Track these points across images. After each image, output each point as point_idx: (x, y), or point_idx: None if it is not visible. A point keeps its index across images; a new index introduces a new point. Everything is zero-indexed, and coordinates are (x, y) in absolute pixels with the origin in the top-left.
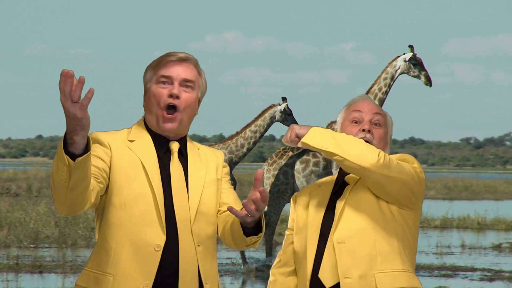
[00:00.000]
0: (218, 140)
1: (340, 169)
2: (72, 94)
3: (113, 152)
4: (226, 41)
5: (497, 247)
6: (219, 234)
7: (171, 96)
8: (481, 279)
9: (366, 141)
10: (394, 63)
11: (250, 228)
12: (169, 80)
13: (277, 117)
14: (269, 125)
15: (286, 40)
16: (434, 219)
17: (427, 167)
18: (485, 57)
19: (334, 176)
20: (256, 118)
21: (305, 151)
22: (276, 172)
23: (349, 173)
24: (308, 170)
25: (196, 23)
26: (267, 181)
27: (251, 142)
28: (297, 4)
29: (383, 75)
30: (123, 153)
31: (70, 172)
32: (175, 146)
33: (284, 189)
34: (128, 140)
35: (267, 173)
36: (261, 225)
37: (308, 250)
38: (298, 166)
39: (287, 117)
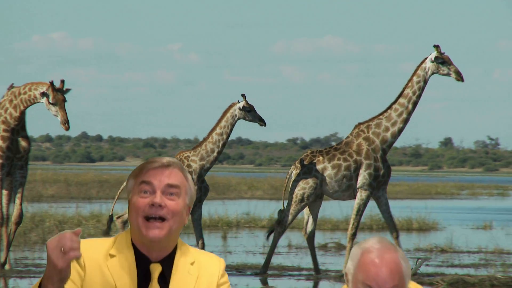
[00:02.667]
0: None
1: None
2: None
3: (87, 273)
4: (53, 41)
5: (323, 247)
6: None
7: (153, 205)
8: (308, 279)
9: None
10: (423, 65)
11: None
12: (150, 188)
13: (238, 115)
14: (233, 125)
15: (114, 40)
16: (261, 219)
17: (254, 167)
18: (311, 58)
19: None
20: (219, 120)
21: (335, 155)
22: (305, 176)
23: None
24: (340, 175)
25: (22, 22)
26: (294, 183)
27: (220, 145)
28: (124, 5)
29: (415, 79)
30: (98, 274)
31: None
32: (155, 270)
33: (309, 194)
34: (109, 254)
35: (296, 176)
36: None
37: None
38: (330, 171)
39: (248, 114)
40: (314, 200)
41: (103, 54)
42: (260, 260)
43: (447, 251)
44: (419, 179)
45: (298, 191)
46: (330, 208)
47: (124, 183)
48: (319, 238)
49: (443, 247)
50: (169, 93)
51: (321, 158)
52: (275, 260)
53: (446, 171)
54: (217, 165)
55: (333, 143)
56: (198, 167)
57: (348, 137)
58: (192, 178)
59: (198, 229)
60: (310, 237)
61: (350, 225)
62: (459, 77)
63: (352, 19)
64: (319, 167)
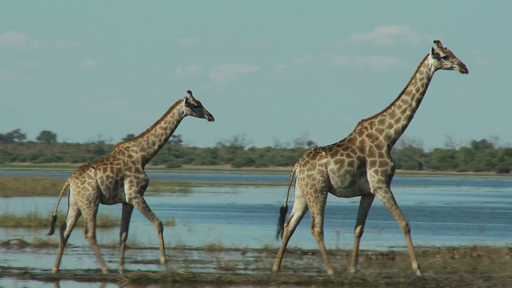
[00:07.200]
0: None
1: None
2: None
3: None
4: None
5: (6, 244)
6: None
7: None
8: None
9: None
10: (426, 62)
11: None
12: None
13: (185, 111)
14: (178, 121)
15: None
16: None
17: None
18: None
19: None
20: (165, 115)
21: (338, 151)
22: (311, 172)
23: None
24: (343, 170)
25: None
26: (302, 182)
27: (162, 139)
28: None
29: (418, 76)
30: None
31: None
32: None
33: (321, 187)
34: None
35: (301, 173)
36: None
37: None
38: (332, 166)
39: (194, 110)
40: (327, 192)
41: None
42: None
43: (130, 247)
44: None
45: (309, 190)
46: (13, 205)
47: (66, 184)
48: (1, 235)
49: (126, 243)
50: None
51: (323, 153)
52: None
53: None
54: None
55: (16, 140)
56: (139, 157)
57: (351, 134)
58: (137, 168)
59: (128, 222)
60: (289, 236)
61: (398, 221)
62: (463, 69)
63: (35, 16)
64: (322, 161)
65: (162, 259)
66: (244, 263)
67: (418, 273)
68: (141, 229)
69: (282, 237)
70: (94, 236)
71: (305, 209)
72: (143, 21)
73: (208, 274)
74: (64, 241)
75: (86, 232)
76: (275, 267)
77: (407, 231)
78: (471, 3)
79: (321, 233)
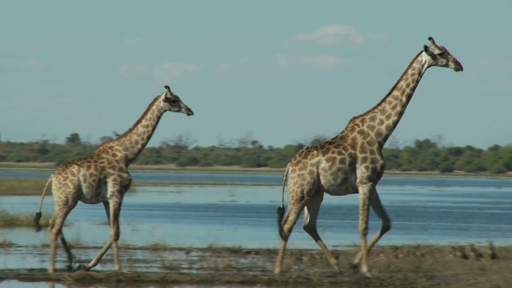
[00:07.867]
0: None
1: None
2: None
3: None
4: None
5: None
6: None
7: None
8: None
9: None
10: (419, 58)
11: None
12: None
13: (164, 107)
14: (159, 117)
15: None
16: None
17: None
18: None
19: None
20: (145, 113)
21: (329, 149)
22: (302, 172)
23: None
24: (334, 167)
25: None
26: (292, 180)
27: (145, 138)
28: None
29: (410, 71)
30: None
31: None
32: None
33: (308, 189)
34: None
35: (292, 172)
36: None
37: None
38: (324, 164)
39: (173, 104)
40: (313, 195)
41: None
42: None
43: (74, 246)
44: (46, 175)
45: (296, 189)
46: None
47: (48, 181)
48: None
49: (70, 242)
50: None
51: (315, 152)
52: None
53: None
54: None
55: None
56: (123, 156)
57: (343, 131)
58: (120, 167)
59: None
60: (310, 230)
61: (360, 221)
62: (458, 67)
63: None
64: (313, 160)
65: (116, 267)
66: (188, 262)
67: (368, 275)
68: (84, 228)
69: (283, 236)
70: (57, 233)
71: (317, 203)
72: (87, 20)
73: (152, 274)
74: (62, 238)
75: (52, 227)
76: (335, 267)
77: (364, 234)
78: (414, 3)
79: (289, 231)
